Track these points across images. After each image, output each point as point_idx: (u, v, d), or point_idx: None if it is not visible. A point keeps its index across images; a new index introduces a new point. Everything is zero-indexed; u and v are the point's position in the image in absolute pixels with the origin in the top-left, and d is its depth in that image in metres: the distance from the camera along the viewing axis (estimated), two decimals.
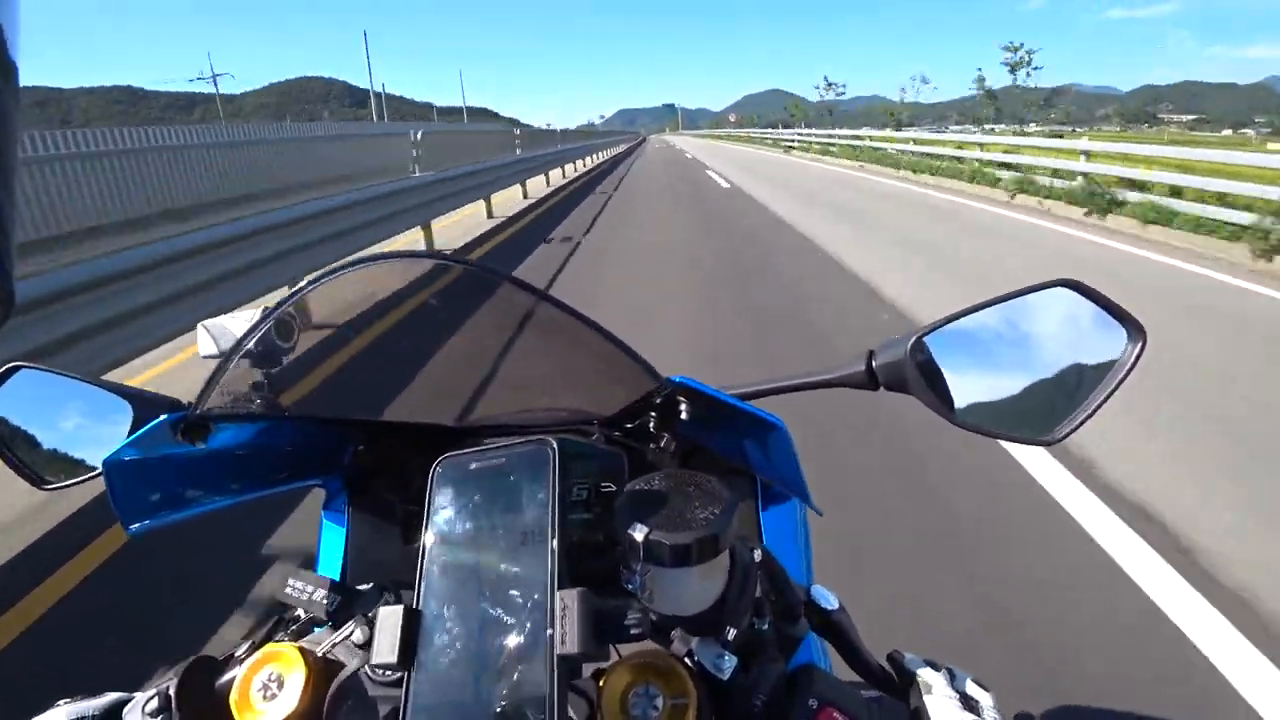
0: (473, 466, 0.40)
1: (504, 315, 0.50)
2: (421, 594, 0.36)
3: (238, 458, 0.52)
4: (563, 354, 0.52)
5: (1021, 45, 18.92)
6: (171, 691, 0.37)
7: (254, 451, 0.53)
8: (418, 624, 0.34)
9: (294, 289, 0.47)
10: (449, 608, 0.35)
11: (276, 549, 2.05)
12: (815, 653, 0.51)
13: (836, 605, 0.46)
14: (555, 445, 0.38)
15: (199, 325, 0.56)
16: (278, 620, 0.44)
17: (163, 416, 0.45)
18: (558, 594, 0.33)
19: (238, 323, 0.59)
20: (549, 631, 0.32)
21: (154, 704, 0.37)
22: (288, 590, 0.40)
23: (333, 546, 0.58)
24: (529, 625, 0.33)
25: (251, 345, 0.47)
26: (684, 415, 0.50)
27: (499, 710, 0.31)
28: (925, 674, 0.41)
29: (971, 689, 0.40)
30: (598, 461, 0.51)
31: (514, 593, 0.34)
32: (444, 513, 0.39)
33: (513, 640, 0.33)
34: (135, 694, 0.39)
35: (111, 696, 0.40)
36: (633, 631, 0.34)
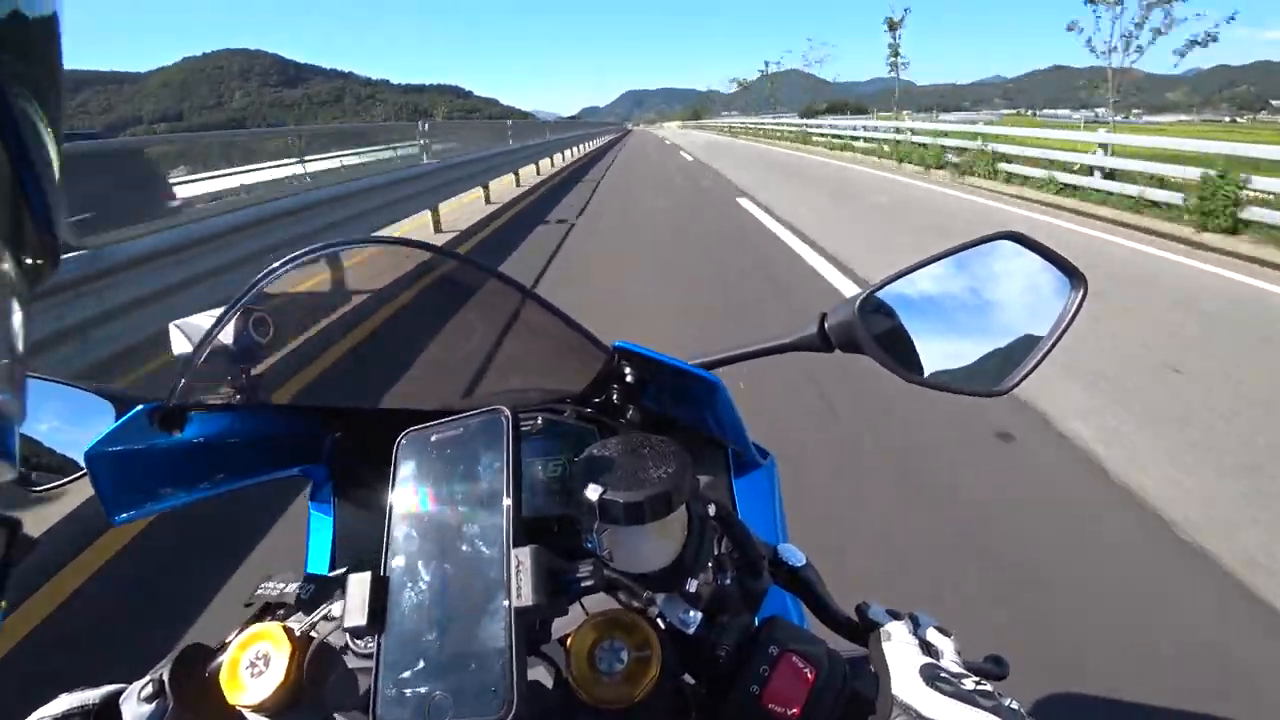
0: (433, 438, 0.44)
1: (472, 300, 0.57)
2: (388, 559, 0.40)
3: (219, 448, 0.58)
4: (529, 335, 0.59)
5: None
6: (165, 677, 0.40)
7: (235, 442, 0.59)
8: (385, 588, 0.38)
9: (255, 278, 0.49)
10: (414, 571, 0.39)
11: (268, 543, 2.23)
12: (786, 608, 0.58)
13: (804, 561, 0.50)
14: (509, 413, 0.42)
15: (170, 325, 0.54)
16: (265, 606, 0.47)
17: (140, 407, 0.49)
18: (513, 551, 0.37)
19: (211, 320, 0.57)
20: (506, 587, 0.36)
21: (149, 690, 0.40)
22: (259, 592, 0.44)
23: (321, 537, 0.63)
24: (488, 582, 0.37)
25: (230, 344, 0.52)
26: (628, 379, 0.58)
27: (463, 662, 0.35)
28: (888, 624, 0.45)
29: (933, 635, 0.45)
30: (571, 438, 0.57)
31: (474, 552, 0.38)
32: (407, 482, 0.43)
33: (474, 597, 0.37)
34: (132, 684, 0.42)
35: (110, 687, 0.43)
36: (585, 584, 0.38)
